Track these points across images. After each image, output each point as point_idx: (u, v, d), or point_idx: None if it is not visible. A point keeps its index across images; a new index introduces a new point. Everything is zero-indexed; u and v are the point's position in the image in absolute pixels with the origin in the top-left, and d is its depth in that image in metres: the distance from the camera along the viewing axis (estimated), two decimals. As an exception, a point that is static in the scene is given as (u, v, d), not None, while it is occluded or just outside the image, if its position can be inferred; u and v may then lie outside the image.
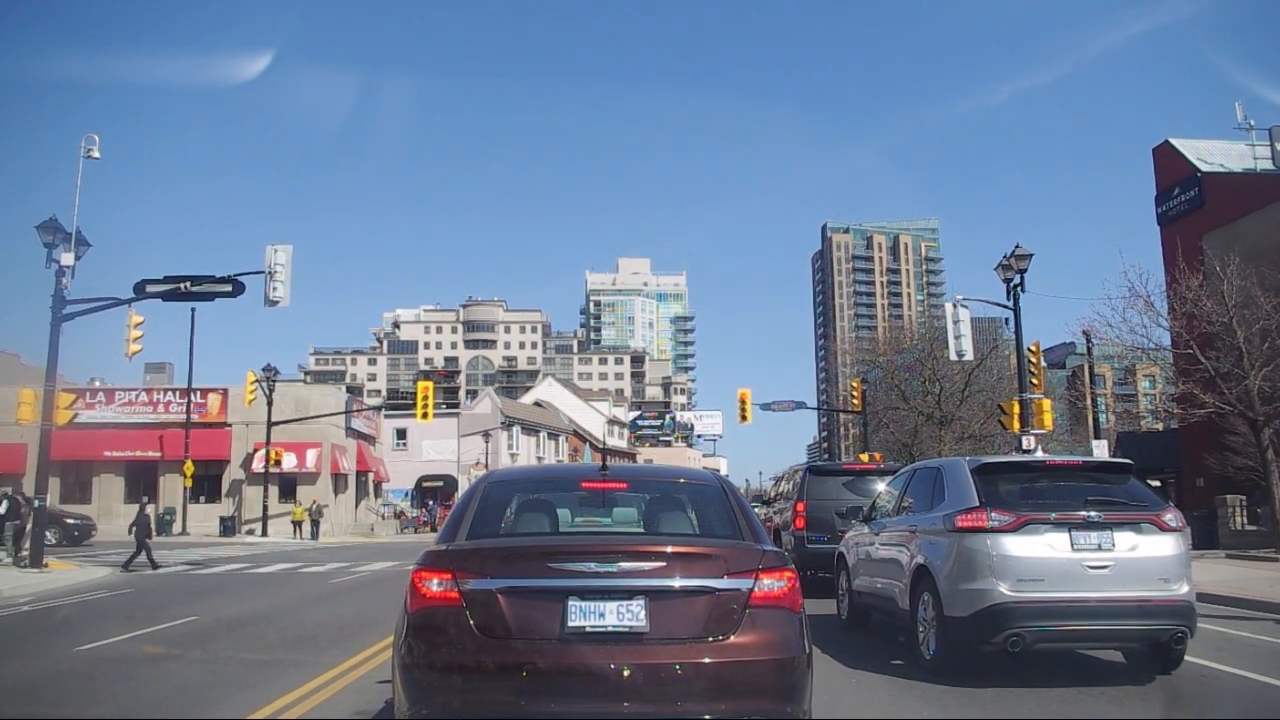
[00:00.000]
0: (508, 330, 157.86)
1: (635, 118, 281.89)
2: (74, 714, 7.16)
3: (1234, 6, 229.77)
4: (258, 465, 43.46)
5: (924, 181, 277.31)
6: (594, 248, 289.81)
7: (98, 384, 50.15)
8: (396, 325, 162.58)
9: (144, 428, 45.90)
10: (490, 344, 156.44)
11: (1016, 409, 24.28)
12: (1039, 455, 11.62)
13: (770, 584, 4.54)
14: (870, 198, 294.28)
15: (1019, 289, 23.91)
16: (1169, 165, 36.07)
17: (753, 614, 4.46)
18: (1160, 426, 41.38)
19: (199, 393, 45.60)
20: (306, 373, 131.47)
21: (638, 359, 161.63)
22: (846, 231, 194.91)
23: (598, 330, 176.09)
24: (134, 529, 23.23)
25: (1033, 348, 25.47)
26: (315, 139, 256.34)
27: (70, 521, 31.99)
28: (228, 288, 22.39)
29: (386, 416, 68.18)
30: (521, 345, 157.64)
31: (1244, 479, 26.15)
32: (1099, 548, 7.49)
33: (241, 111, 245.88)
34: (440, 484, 69.03)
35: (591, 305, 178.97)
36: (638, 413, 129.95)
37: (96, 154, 22.82)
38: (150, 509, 28.45)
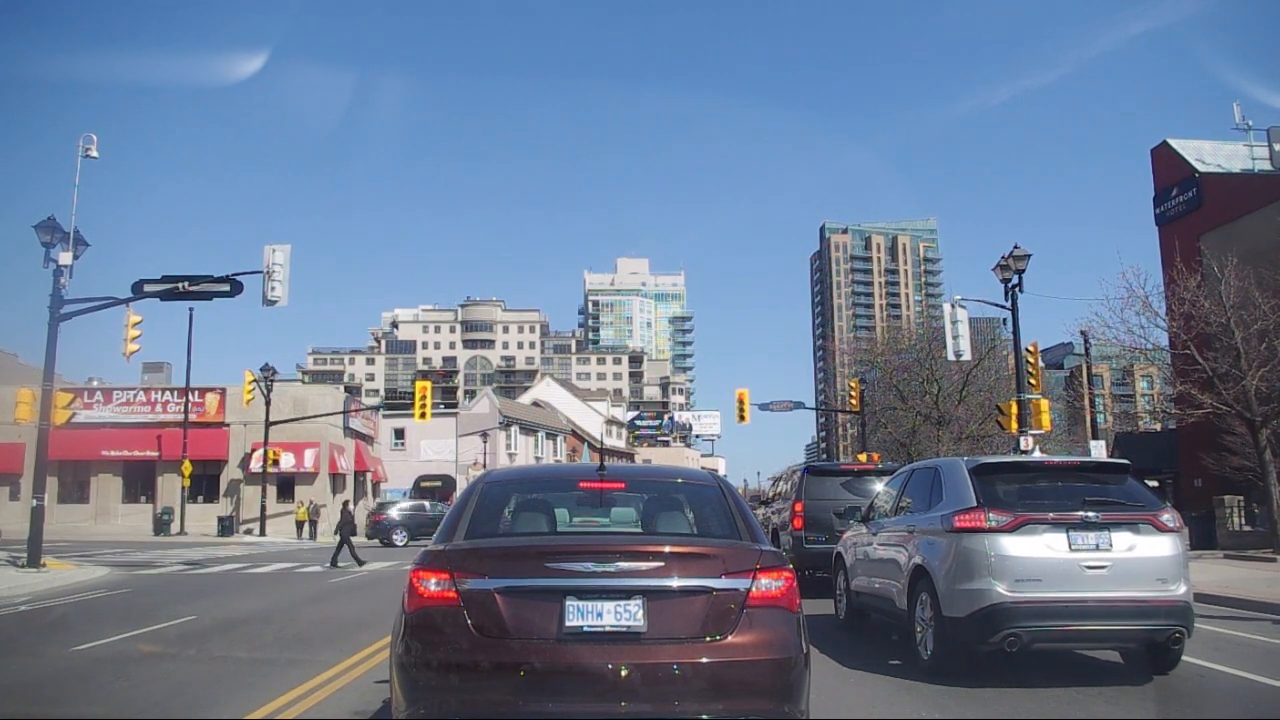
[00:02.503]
0: (506, 330, 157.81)
1: (634, 117, 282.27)
2: (70, 714, 7.14)
3: (1232, 10, 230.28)
4: (256, 465, 43.44)
5: (922, 182, 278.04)
6: (592, 248, 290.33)
7: (95, 384, 50.10)
8: (394, 325, 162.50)
9: (142, 427, 45.86)
10: (488, 344, 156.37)
11: (1014, 409, 24.27)
12: (1037, 455, 11.63)
13: (768, 584, 4.54)
14: (869, 198, 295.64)
15: (1017, 289, 23.90)
16: (1167, 166, 36.13)
17: (750, 614, 4.45)
18: (1158, 427, 41.47)
19: (197, 392, 45.56)
20: (304, 372, 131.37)
21: (636, 359, 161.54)
22: (845, 232, 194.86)
23: (596, 330, 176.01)
24: (339, 527, 24.45)
25: (1031, 348, 25.48)
26: (312, 138, 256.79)
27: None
28: (226, 287, 22.32)
29: (385, 416, 68.13)
30: (520, 345, 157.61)
31: (1242, 479, 26.19)
32: (1096, 548, 7.50)
33: (238, 110, 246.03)
34: (439, 484, 68.93)
35: (590, 305, 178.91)
36: (636, 413, 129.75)
37: (94, 153, 22.77)
38: (353, 507, 29.73)
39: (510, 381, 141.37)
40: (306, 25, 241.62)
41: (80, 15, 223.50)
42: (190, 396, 44.33)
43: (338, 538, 24.33)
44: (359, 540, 27.72)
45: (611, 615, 4.38)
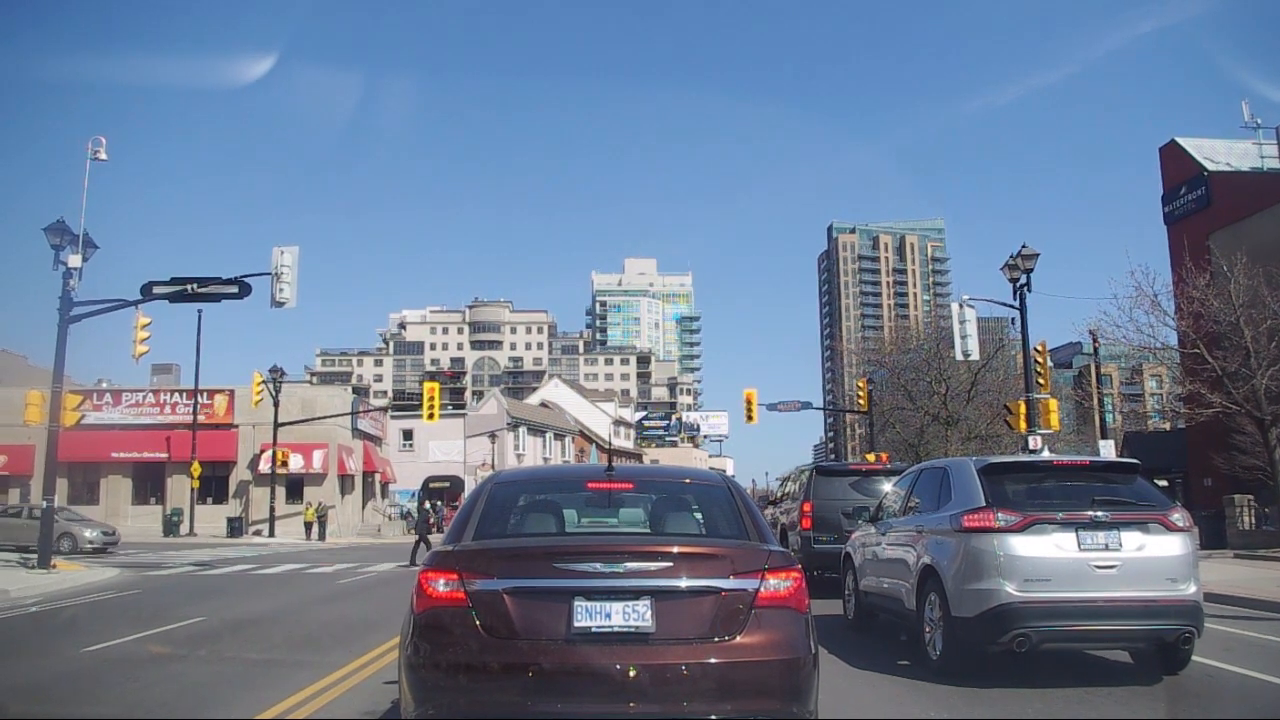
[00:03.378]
0: (514, 331, 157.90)
1: (641, 117, 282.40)
2: (80, 714, 7.18)
3: (1240, 7, 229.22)
4: (264, 466, 43.53)
5: (930, 181, 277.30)
6: (600, 248, 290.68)
7: (105, 385, 50.18)
8: (402, 326, 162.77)
9: (151, 429, 46.02)
10: (496, 345, 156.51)
11: (1023, 409, 24.22)
12: (1045, 455, 11.56)
13: (776, 584, 4.54)
14: (876, 198, 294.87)
15: (1025, 289, 23.86)
16: (1176, 164, 35.99)
17: (759, 614, 4.45)
18: (1167, 426, 41.40)
19: (206, 394, 45.63)
20: (313, 374, 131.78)
21: (644, 359, 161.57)
22: (853, 232, 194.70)
23: (604, 331, 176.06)
24: (417, 526, 25.89)
25: (1039, 347, 25.44)
26: (320, 139, 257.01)
27: None
28: (234, 289, 22.40)
29: (393, 417, 68.24)
30: (528, 346, 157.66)
31: (1252, 478, 26.10)
32: (1106, 548, 7.47)
33: (247, 112, 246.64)
34: (447, 484, 69.09)
35: (598, 306, 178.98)
36: (644, 413, 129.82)
37: (104, 156, 22.76)
38: (431, 506, 30.73)
39: (518, 382, 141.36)
40: (314, 27, 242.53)
41: (87, 17, 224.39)
42: (199, 398, 44.40)
43: (416, 537, 25.52)
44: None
45: (620, 616, 4.38)
